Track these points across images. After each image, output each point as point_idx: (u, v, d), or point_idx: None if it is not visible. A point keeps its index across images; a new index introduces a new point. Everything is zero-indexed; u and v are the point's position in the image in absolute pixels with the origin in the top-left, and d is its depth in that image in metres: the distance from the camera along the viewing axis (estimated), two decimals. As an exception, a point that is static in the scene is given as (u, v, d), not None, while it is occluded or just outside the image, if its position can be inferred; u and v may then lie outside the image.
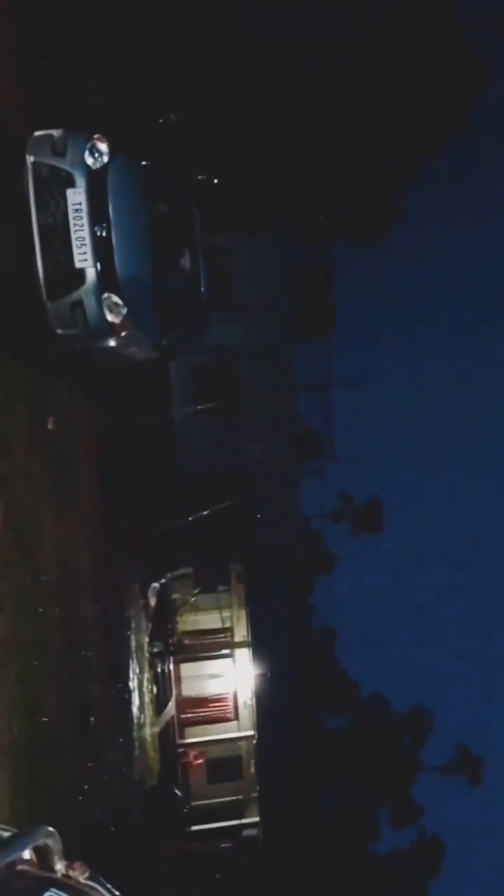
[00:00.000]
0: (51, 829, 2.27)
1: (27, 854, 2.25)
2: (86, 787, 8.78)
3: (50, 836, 2.26)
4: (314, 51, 16.70)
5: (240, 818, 15.64)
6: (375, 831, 20.32)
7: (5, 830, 2.31)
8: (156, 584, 15.29)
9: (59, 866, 2.27)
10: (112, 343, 7.93)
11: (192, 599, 16.35)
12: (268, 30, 16.15)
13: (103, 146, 7.41)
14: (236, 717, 16.14)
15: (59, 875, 2.24)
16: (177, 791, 14.19)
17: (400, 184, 18.37)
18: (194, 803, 15.14)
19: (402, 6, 15.74)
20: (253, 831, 15.67)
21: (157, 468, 15.42)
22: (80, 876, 2.27)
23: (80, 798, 8.50)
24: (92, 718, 9.44)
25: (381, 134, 17.38)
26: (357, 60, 16.56)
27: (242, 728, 16.01)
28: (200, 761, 15.85)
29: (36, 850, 2.28)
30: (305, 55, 16.64)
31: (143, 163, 7.98)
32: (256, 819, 15.75)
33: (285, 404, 17.65)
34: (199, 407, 16.56)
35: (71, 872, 2.26)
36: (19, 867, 2.18)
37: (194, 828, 14.75)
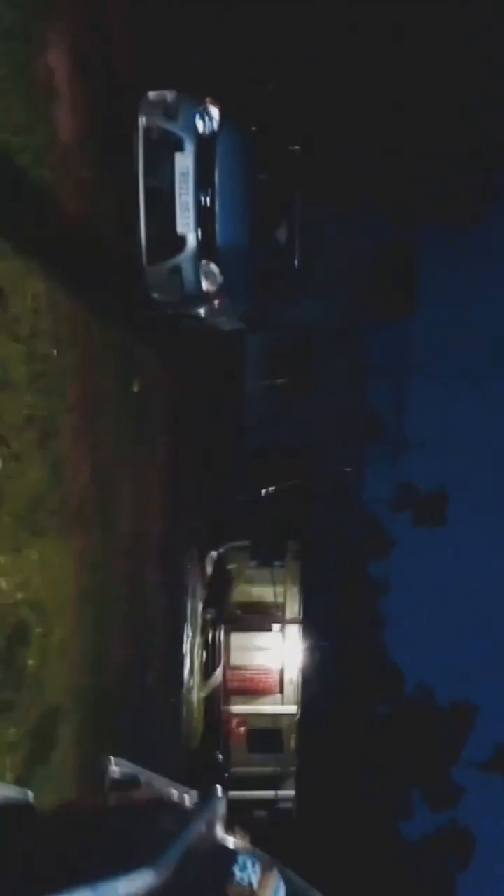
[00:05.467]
0: (220, 794, 2.31)
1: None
2: (139, 741, 9.02)
3: (221, 802, 2.30)
4: (424, 21, 16.13)
5: (276, 790, 15.88)
6: (409, 814, 20.41)
7: (185, 792, 2.36)
8: (213, 553, 15.47)
9: (220, 830, 2.31)
10: (204, 310, 7.97)
11: (248, 572, 16.49)
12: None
13: (214, 111, 7.37)
14: (281, 692, 16.29)
15: (229, 840, 2.28)
16: (219, 755, 14.48)
17: (500, 167, 17.72)
18: (233, 769, 15.42)
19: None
20: (288, 804, 15.89)
21: (226, 439, 15.50)
22: (244, 842, 2.31)
23: (134, 751, 8.74)
24: (149, 676, 9.68)
25: (487, 110, 16.73)
26: (465, 34, 15.91)
27: (286, 703, 16.17)
28: (242, 730, 16.10)
29: None
30: (410, 23, 16.07)
31: (252, 129, 7.89)
32: (292, 793, 15.96)
33: (357, 386, 17.44)
34: (272, 382, 16.52)
35: (237, 838, 2.30)
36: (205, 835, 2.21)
37: (231, 794, 15.04)
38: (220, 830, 2.32)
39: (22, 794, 2.48)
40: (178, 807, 2.23)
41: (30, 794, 2.46)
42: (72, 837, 2.10)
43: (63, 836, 2.09)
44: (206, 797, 2.30)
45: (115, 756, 2.80)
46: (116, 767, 2.71)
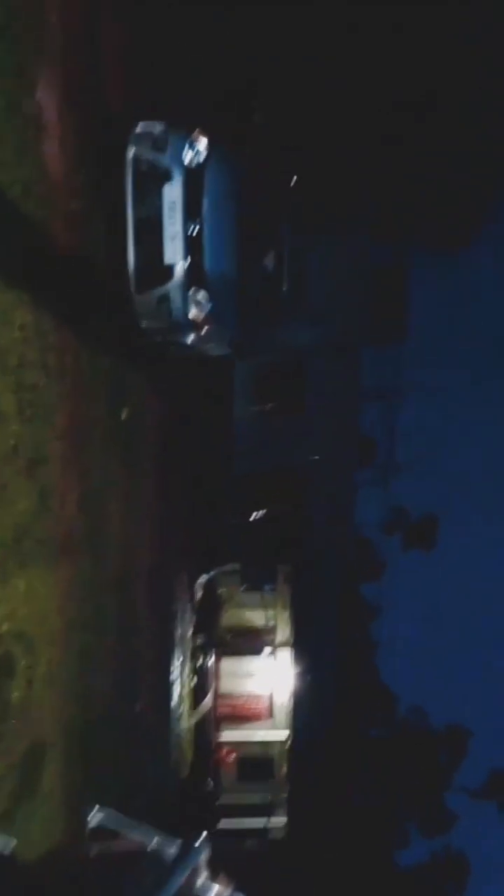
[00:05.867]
0: (202, 840, 2.29)
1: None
2: (128, 771, 8.92)
3: (204, 851, 2.28)
4: (408, 56, 16.43)
5: (267, 818, 15.67)
6: (404, 843, 20.17)
7: (168, 841, 2.33)
8: (203, 577, 15.39)
9: (203, 877, 2.29)
10: (192, 338, 8.02)
11: (238, 596, 16.40)
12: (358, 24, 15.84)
13: (202, 143, 7.47)
14: (271, 718, 16.14)
15: (214, 889, 2.25)
16: (209, 784, 14.29)
17: (489, 195, 17.95)
18: (223, 799, 15.21)
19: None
20: (280, 834, 15.68)
21: (216, 463, 15.50)
22: (227, 890, 2.28)
23: (123, 781, 8.64)
24: (138, 704, 9.58)
25: (479, 141, 16.99)
26: (455, 64, 16.20)
27: (277, 729, 16.01)
28: (232, 758, 15.92)
29: None
30: (398, 52, 16.32)
31: (240, 160, 8.00)
32: (284, 821, 15.76)
33: (349, 409, 17.49)
34: (262, 406, 16.56)
35: (220, 887, 2.27)
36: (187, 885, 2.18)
37: (222, 823, 14.83)
38: (203, 879, 2.30)
39: (3, 842, 2.44)
40: (160, 857, 2.20)
41: (12, 842, 2.42)
42: (53, 892, 2.07)
43: (44, 890, 2.06)
44: (189, 846, 2.28)
45: (98, 804, 2.77)
46: (98, 815, 2.68)
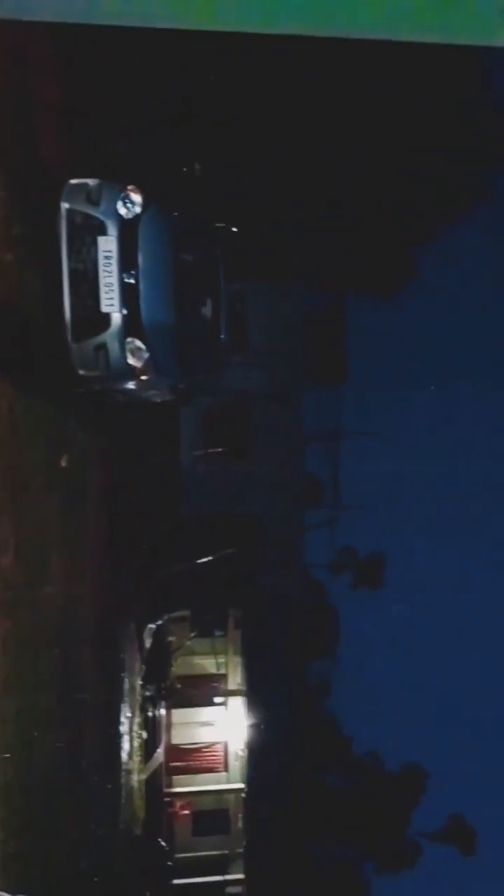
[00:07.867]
0: None
1: None
2: (74, 833, 8.57)
3: None
4: (338, 110, 17.22)
5: (224, 874, 15.20)
6: (364, 892, 19.73)
7: None
8: (152, 625, 15.12)
9: None
10: (132, 385, 8.06)
11: (188, 643, 16.15)
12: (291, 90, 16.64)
13: (137, 197, 7.63)
14: (226, 769, 15.80)
15: None
16: (162, 843, 13.81)
17: (419, 241, 18.76)
18: (178, 855, 14.72)
19: (428, 77, 16.29)
20: (237, 889, 15.21)
21: (163, 508, 15.40)
22: None
23: (68, 845, 8.29)
24: (83, 762, 9.26)
25: (406, 192, 17.83)
26: (383, 119, 17.04)
27: (232, 780, 15.67)
28: (187, 812, 15.48)
29: None
30: (328, 113, 17.16)
31: (174, 213, 8.18)
32: (241, 876, 15.30)
33: (293, 451, 17.71)
34: (208, 450, 16.62)
35: None
36: None
37: (177, 881, 14.32)
38: None
39: None
40: None
41: None
42: None
43: None
44: None
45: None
46: None
